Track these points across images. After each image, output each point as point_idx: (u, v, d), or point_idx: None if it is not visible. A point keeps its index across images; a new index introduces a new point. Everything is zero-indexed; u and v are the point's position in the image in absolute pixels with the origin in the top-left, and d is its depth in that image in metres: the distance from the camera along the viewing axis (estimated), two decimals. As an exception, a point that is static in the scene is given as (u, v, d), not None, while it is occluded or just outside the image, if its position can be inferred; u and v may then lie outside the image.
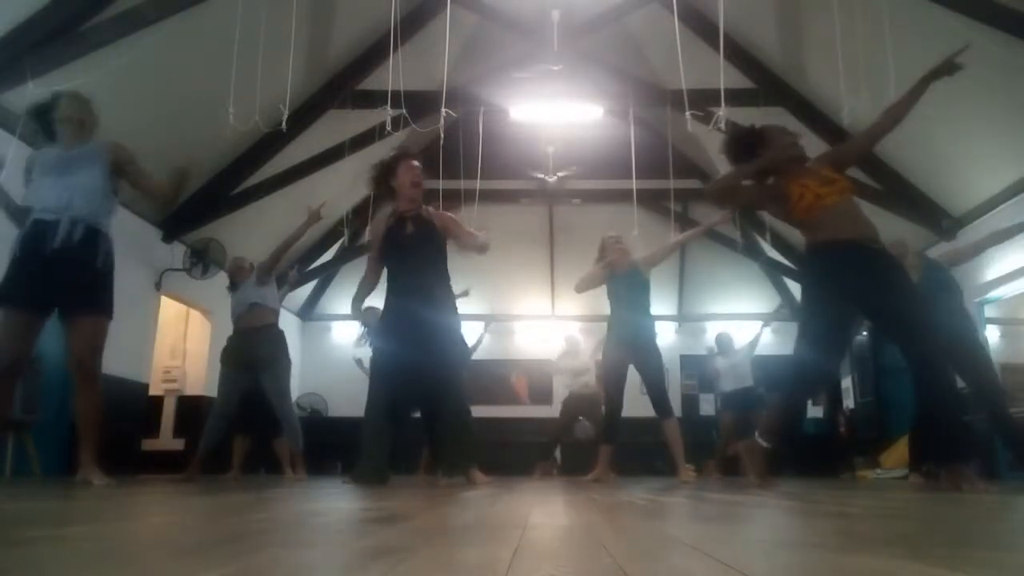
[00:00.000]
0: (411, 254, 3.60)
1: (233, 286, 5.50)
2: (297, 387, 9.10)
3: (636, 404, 5.39)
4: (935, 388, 2.79)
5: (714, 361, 7.68)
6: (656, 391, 4.92)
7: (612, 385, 4.96)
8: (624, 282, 5.04)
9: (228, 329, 5.75)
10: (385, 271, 3.74)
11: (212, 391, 8.16)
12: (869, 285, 2.92)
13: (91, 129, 3.38)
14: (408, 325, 3.49)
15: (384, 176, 3.76)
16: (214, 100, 5.43)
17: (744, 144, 3.40)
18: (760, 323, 8.70)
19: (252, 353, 5.12)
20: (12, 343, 3.06)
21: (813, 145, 7.23)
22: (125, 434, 6.60)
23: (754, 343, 7.66)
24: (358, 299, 3.83)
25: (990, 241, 4.90)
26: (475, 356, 8.55)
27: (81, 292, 3.18)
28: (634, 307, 4.99)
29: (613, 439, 4.97)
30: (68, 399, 6.18)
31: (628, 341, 4.91)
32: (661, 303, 7.67)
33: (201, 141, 6.53)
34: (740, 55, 7.14)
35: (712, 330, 11.14)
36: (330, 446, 8.23)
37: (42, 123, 3.40)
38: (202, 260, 7.40)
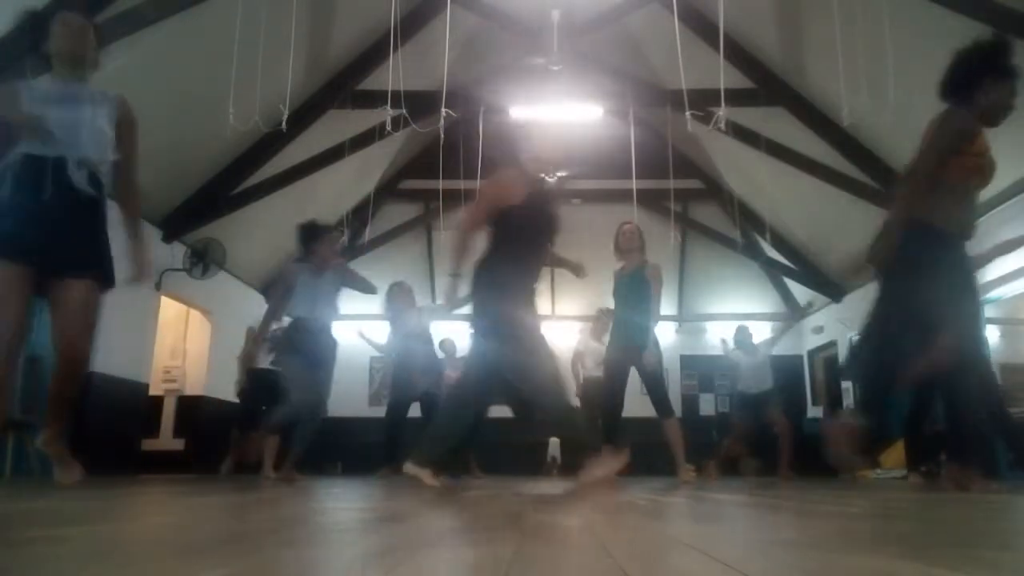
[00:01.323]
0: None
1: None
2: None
3: (635, 404, 5.39)
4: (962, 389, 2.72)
5: (733, 356, 7.19)
6: (656, 392, 4.90)
7: (612, 386, 4.93)
8: (627, 282, 4.95)
9: (228, 329, 5.77)
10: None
11: (212, 391, 8.20)
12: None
13: (92, 67, 2.86)
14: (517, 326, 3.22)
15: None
16: (214, 100, 5.43)
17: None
18: (772, 322, 8.54)
19: None
20: (13, 305, 2.53)
21: (813, 145, 7.28)
22: (125, 434, 6.60)
23: (774, 341, 7.39)
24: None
25: (997, 252, 4.83)
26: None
27: (80, 246, 2.66)
28: (635, 308, 4.88)
29: (614, 440, 4.95)
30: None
31: (627, 344, 4.84)
32: (661, 303, 7.64)
33: (201, 141, 6.54)
34: (740, 55, 7.14)
35: (712, 330, 11.16)
36: (329, 446, 8.23)
37: (36, 47, 2.84)
38: (202, 260, 7.40)
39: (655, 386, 4.90)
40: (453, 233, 3.38)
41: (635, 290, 4.88)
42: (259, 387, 6.20)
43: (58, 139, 2.60)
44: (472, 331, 3.39)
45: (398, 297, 6.03)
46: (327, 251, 4.74)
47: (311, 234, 4.73)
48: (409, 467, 3.17)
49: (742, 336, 7.16)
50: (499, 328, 3.18)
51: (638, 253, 4.96)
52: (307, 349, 4.57)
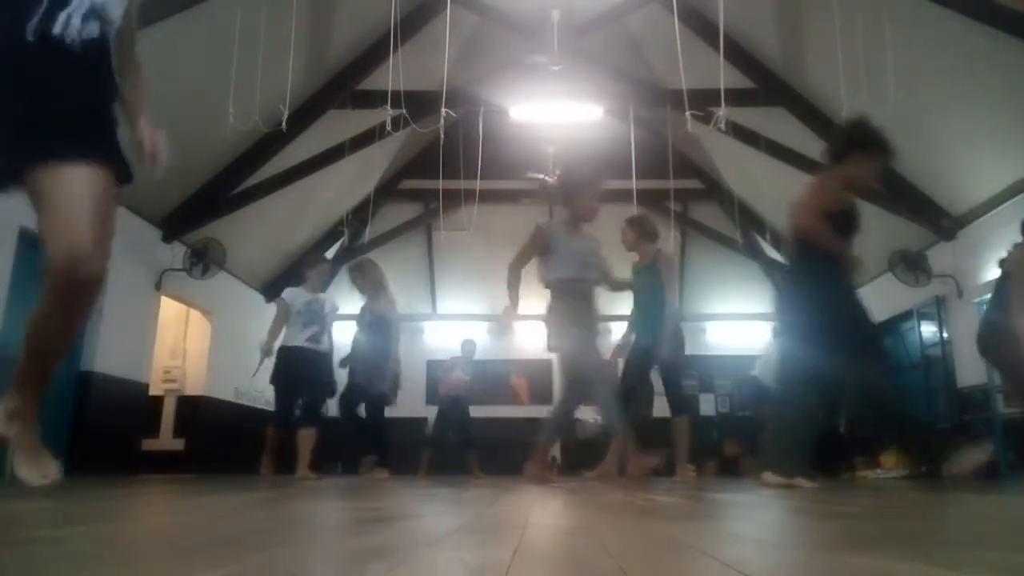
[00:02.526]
0: None
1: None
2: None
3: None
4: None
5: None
6: (670, 387, 4.78)
7: (627, 383, 4.72)
8: (645, 276, 4.71)
9: (228, 329, 5.77)
10: None
11: (212, 391, 8.20)
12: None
13: None
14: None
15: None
16: (214, 100, 5.43)
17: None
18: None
19: None
20: None
21: (813, 145, 7.27)
22: (125, 434, 6.60)
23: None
24: None
25: None
26: (475, 357, 8.57)
27: (76, 117, 1.85)
28: (653, 308, 4.62)
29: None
30: (68, 398, 6.24)
31: (650, 350, 4.61)
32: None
33: (201, 141, 6.54)
34: (740, 55, 7.14)
35: (712, 330, 11.15)
36: (329, 446, 8.23)
37: None
38: (202, 260, 7.40)
39: (669, 380, 4.77)
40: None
41: (647, 283, 4.69)
42: (294, 368, 5.38)
43: None
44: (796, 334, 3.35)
45: (370, 276, 5.79)
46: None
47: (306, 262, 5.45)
48: (774, 478, 3.08)
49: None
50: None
51: (646, 244, 4.78)
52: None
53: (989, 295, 6.74)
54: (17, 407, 1.91)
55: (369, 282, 5.74)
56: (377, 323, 5.64)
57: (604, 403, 3.85)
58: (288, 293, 5.47)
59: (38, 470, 1.91)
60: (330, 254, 10.27)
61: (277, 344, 5.34)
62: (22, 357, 1.89)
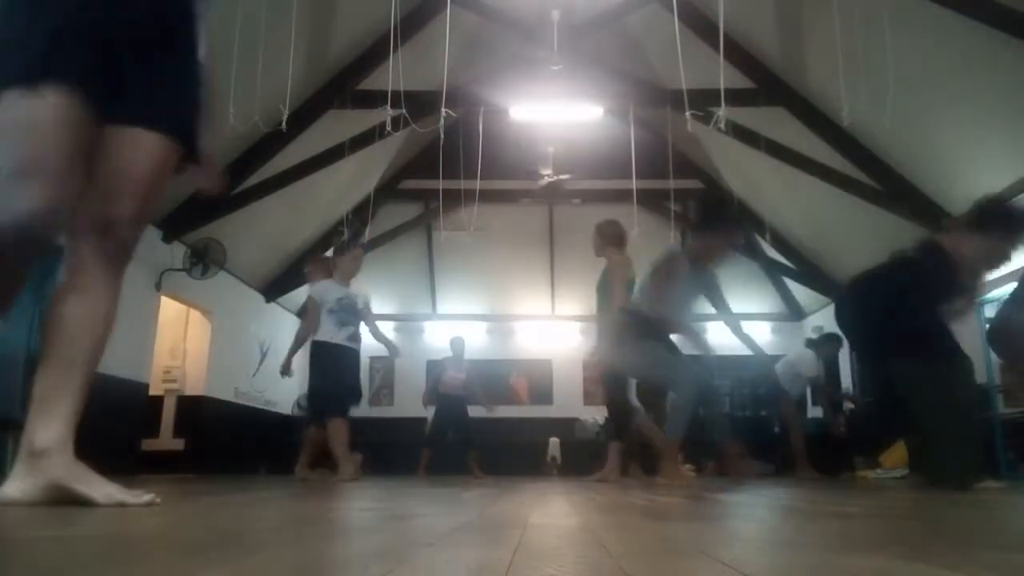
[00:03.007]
0: None
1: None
2: (297, 387, 9.11)
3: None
4: None
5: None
6: (610, 396, 4.92)
7: (612, 388, 4.88)
8: (602, 282, 4.92)
9: (228, 329, 5.75)
10: None
11: (212, 391, 8.21)
12: None
13: None
14: None
15: None
16: (214, 100, 5.42)
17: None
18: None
19: None
20: (57, 159, 1.40)
21: (813, 145, 7.28)
22: (125, 434, 6.60)
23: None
24: None
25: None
26: (475, 357, 8.57)
27: (164, 74, 1.60)
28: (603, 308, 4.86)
29: (622, 436, 4.93)
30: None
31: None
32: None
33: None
34: (740, 55, 7.14)
35: (712, 330, 11.13)
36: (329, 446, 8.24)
37: None
38: (202, 260, 7.40)
39: (608, 387, 4.87)
40: None
41: (602, 289, 4.88)
42: (339, 365, 5.10)
43: None
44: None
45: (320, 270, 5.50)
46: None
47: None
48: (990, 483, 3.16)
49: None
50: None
51: (612, 250, 4.87)
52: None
53: (987, 296, 6.77)
54: (65, 431, 1.50)
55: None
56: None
57: (673, 407, 3.88)
58: (318, 289, 5.13)
59: (119, 493, 1.49)
60: (330, 254, 10.31)
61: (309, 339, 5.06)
62: (47, 383, 1.53)
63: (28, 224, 1.35)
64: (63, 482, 1.45)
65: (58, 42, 1.42)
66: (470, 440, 7.57)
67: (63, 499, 1.44)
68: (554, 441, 9.51)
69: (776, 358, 7.64)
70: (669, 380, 3.95)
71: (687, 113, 5.59)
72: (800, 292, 10.65)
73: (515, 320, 11.44)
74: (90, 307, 1.56)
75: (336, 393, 5.01)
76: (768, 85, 7.23)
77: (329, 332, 4.97)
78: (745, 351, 4.62)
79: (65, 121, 1.41)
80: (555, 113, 7.71)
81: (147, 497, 1.51)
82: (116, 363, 6.42)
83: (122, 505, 1.45)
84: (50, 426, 1.48)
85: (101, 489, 1.46)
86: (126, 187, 1.54)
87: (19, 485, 1.44)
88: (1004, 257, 3.40)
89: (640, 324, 3.88)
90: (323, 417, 5.04)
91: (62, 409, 1.50)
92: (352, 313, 5.09)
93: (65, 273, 1.56)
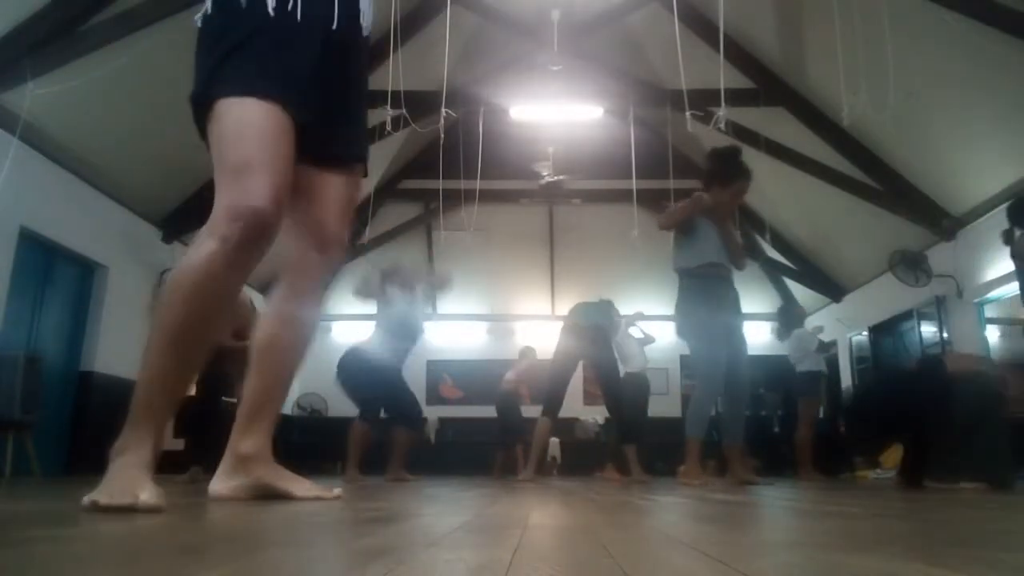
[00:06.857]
0: None
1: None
2: (297, 387, 9.10)
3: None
4: None
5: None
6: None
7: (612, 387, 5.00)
8: None
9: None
10: None
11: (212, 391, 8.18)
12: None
13: None
14: None
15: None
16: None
17: None
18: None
19: None
20: (280, 171, 1.48)
21: (813, 145, 7.28)
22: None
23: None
24: None
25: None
26: (475, 357, 8.57)
27: (362, 113, 1.82)
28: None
29: (634, 439, 5.07)
30: (68, 398, 6.23)
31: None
32: (659, 302, 7.65)
33: (201, 141, 6.53)
34: (740, 55, 7.15)
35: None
36: (330, 446, 8.24)
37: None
38: (202, 260, 7.40)
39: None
40: None
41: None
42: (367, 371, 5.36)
43: None
44: None
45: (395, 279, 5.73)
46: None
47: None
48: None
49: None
50: None
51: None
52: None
53: (987, 296, 6.78)
54: (265, 439, 1.73)
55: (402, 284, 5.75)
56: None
57: (691, 403, 3.87)
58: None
59: (324, 490, 1.77)
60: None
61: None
62: (261, 401, 1.75)
63: (265, 208, 1.43)
64: (266, 480, 1.70)
65: (314, 79, 1.56)
66: (505, 439, 7.60)
67: (267, 495, 1.68)
68: (554, 441, 9.50)
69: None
70: (695, 367, 4.05)
71: (687, 113, 5.59)
72: (800, 292, 10.64)
73: (515, 320, 11.44)
74: (297, 331, 1.74)
75: (396, 406, 5.48)
76: (768, 85, 7.23)
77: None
78: (764, 352, 4.67)
79: (290, 135, 1.52)
80: (555, 113, 7.72)
81: (337, 491, 1.78)
82: (116, 363, 6.42)
83: (319, 499, 1.67)
84: (255, 435, 1.72)
85: (299, 486, 1.70)
86: (339, 211, 1.74)
87: (229, 484, 1.71)
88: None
89: (695, 285, 3.93)
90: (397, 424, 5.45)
91: (265, 422, 1.74)
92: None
93: (285, 282, 1.78)
